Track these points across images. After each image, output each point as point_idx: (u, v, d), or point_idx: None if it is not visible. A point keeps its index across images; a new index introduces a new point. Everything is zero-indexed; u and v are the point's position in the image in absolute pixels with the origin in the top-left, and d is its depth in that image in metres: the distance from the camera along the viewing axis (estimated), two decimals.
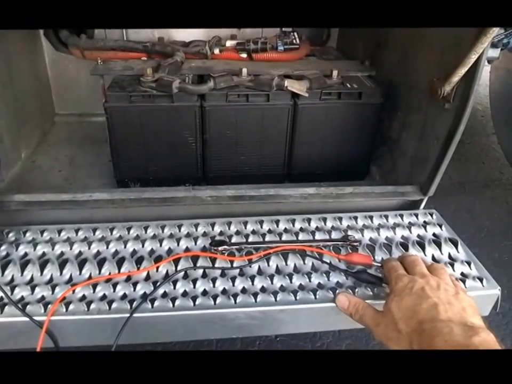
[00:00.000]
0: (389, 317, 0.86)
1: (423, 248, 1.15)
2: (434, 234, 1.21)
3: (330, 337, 1.61)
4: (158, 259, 1.07)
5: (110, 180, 1.49)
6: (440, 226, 1.24)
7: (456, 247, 1.16)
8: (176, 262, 1.06)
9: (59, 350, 0.92)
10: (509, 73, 2.42)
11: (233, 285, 1.01)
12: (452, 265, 1.10)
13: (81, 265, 1.04)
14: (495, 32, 0.97)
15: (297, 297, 0.98)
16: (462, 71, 1.06)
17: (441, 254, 1.15)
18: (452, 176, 2.51)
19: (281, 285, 1.02)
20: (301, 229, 1.20)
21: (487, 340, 0.72)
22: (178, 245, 1.12)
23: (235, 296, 0.97)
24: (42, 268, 1.03)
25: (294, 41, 1.55)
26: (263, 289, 1.00)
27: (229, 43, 1.58)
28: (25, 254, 1.08)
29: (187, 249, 1.11)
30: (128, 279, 1.02)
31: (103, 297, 0.97)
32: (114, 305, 0.94)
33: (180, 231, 1.18)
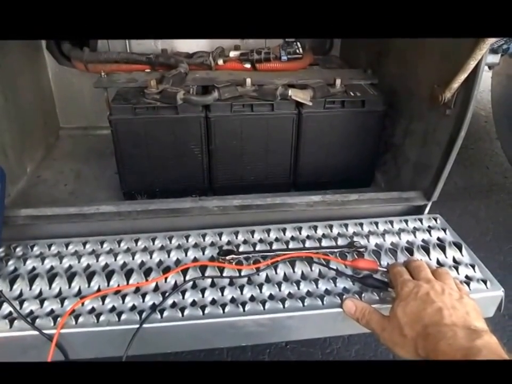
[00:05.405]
0: (394, 322, 0.87)
1: (428, 253, 1.16)
2: (438, 239, 1.22)
3: (339, 343, 1.61)
4: (166, 270, 1.07)
5: (116, 192, 1.50)
6: (444, 230, 1.25)
7: (460, 250, 1.17)
8: (185, 272, 1.06)
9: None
10: (509, 79, 2.43)
11: (242, 293, 1.01)
12: (456, 269, 1.11)
13: (89, 277, 1.05)
14: (493, 39, 0.98)
15: (305, 304, 0.98)
16: (462, 77, 1.07)
17: (446, 257, 1.15)
18: (457, 181, 2.52)
19: (289, 292, 1.02)
20: (308, 237, 1.20)
21: (490, 342, 0.73)
22: (186, 255, 1.13)
23: (243, 304, 0.98)
24: (50, 281, 1.04)
25: (297, 50, 1.56)
26: (271, 297, 1.01)
27: (233, 54, 1.59)
28: (33, 268, 1.08)
29: (195, 260, 1.12)
30: (137, 290, 1.02)
31: (112, 309, 0.97)
32: (123, 316, 0.95)
33: (187, 241, 1.18)
